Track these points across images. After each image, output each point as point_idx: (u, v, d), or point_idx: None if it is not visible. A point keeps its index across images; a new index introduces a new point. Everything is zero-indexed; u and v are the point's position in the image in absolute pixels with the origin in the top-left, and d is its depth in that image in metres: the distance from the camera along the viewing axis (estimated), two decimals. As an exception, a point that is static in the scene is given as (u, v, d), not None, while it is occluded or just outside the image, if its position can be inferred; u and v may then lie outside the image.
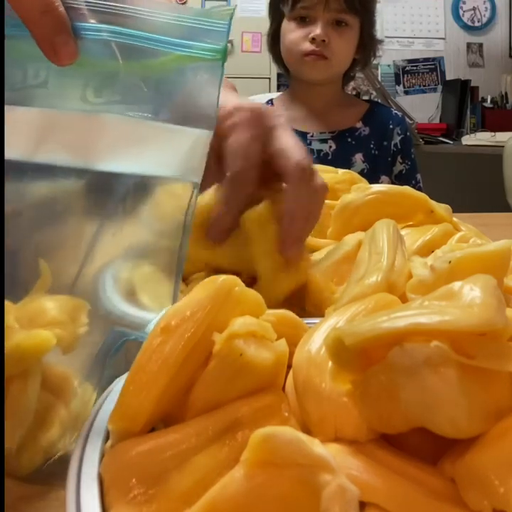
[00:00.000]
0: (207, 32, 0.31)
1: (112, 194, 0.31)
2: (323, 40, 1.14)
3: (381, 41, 1.29)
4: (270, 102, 1.33)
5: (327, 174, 0.75)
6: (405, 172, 1.26)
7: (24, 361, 0.26)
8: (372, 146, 1.23)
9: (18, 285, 0.30)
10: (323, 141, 1.23)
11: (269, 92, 2.56)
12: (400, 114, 1.32)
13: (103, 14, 0.30)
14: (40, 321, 0.28)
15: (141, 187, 0.31)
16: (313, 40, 1.15)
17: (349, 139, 1.23)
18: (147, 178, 0.31)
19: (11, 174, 0.30)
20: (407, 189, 0.49)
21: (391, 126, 1.26)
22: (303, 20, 1.17)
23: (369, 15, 1.22)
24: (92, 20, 0.30)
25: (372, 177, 1.23)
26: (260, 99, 1.37)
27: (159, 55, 0.31)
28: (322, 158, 1.22)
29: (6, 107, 0.30)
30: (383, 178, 1.23)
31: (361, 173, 1.21)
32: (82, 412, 0.25)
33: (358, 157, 1.22)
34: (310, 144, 1.23)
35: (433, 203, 0.49)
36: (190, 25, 0.31)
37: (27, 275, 0.31)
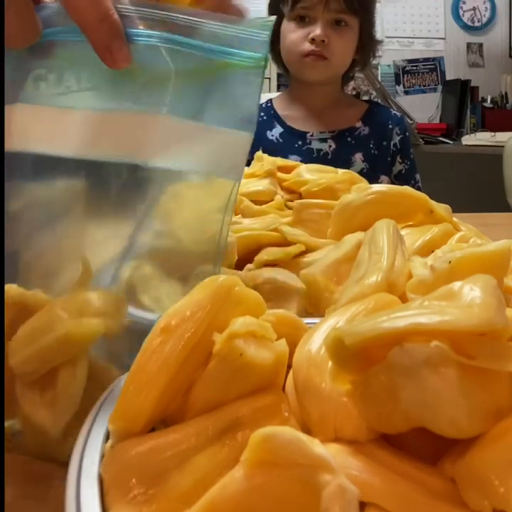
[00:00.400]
0: (249, 41, 0.33)
1: (153, 190, 0.33)
2: (323, 41, 1.14)
3: (380, 41, 1.30)
4: (269, 101, 1.33)
5: (327, 174, 0.75)
6: (404, 172, 1.26)
7: (73, 348, 0.28)
8: (371, 145, 1.24)
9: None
10: (323, 140, 1.24)
11: (269, 92, 2.56)
12: (399, 114, 1.33)
13: (153, 21, 0.32)
14: (87, 311, 0.29)
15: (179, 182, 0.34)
16: (312, 41, 1.15)
17: (349, 139, 1.24)
18: (190, 175, 0.34)
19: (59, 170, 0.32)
20: (406, 189, 0.49)
21: (390, 126, 1.26)
22: (302, 21, 1.17)
23: (368, 15, 1.22)
24: (142, 27, 0.32)
25: (372, 177, 1.23)
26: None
27: (205, 61, 0.33)
28: (322, 158, 1.22)
29: (61, 109, 0.33)
30: (383, 177, 1.24)
31: (361, 172, 1.21)
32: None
33: (358, 157, 1.22)
34: (310, 143, 1.24)
35: (433, 203, 0.49)
36: (235, 35, 0.33)
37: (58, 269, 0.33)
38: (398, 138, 1.26)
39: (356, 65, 1.28)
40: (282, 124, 1.27)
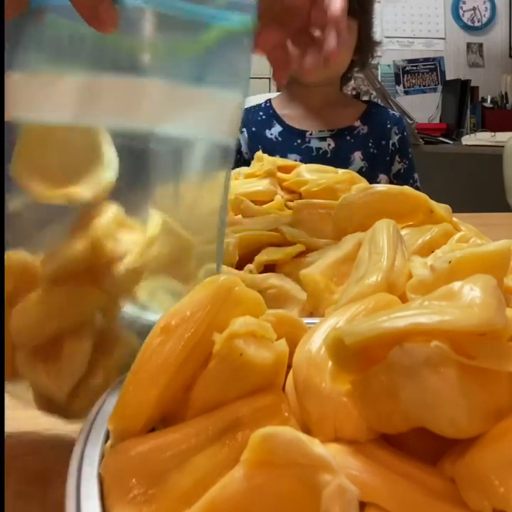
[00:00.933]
0: (237, 4, 0.33)
1: (152, 157, 0.33)
2: None
3: (379, 43, 1.30)
4: (269, 101, 1.33)
5: (327, 174, 0.75)
6: (403, 171, 1.26)
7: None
8: (370, 144, 1.24)
9: None
10: (322, 139, 1.23)
11: (269, 92, 2.56)
12: (397, 114, 1.33)
13: None
14: None
15: (179, 151, 0.33)
16: None
17: (348, 137, 1.24)
18: (186, 141, 0.33)
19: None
20: (406, 189, 0.49)
21: (389, 126, 1.26)
22: None
23: (367, 16, 1.22)
24: None
25: (371, 175, 1.23)
26: (259, 99, 1.37)
27: (194, 25, 0.33)
28: (321, 157, 1.22)
29: (52, 77, 0.32)
30: (381, 176, 1.24)
31: (360, 171, 1.22)
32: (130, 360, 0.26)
33: (357, 155, 1.23)
34: (309, 142, 1.24)
35: (433, 203, 0.49)
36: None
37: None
38: (397, 137, 1.26)
39: (355, 66, 1.28)
40: (281, 123, 1.27)
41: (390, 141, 1.25)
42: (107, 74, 0.32)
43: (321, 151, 1.23)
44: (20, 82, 0.32)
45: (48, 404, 0.31)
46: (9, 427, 0.27)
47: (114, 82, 0.32)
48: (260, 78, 2.80)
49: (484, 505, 0.18)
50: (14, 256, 0.31)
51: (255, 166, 0.79)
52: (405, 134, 1.30)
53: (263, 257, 0.44)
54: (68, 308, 0.30)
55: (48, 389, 0.29)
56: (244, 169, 0.81)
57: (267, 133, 1.26)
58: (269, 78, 2.91)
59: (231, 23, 0.33)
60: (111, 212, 0.31)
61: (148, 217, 0.31)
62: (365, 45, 1.23)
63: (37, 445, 0.33)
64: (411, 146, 1.32)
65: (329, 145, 1.23)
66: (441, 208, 0.49)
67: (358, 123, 1.25)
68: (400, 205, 0.49)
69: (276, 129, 1.26)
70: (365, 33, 1.22)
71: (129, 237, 0.31)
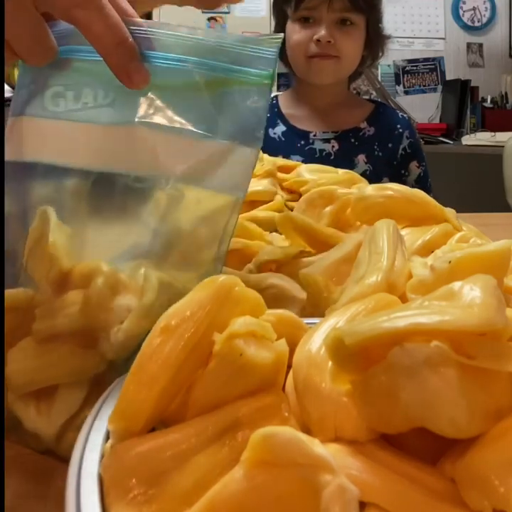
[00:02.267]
0: (257, 58, 0.34)
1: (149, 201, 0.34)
2: (329, 41, 1.12)
3: (388, 37, 1.26)
4: (275, 98, 1.32)
5: (327, 174, 0.75)
6: (423, 175, 1.24)
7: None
8: (375, 147, 1.22)
9: None
10: (326, 140, 1.22)
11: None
12: (406, 116, 1.31)
13: (162, 41, 0.34)
14: None
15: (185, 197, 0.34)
16: (318, 42, 1.12)
17: (352, 140, 1.22)
18: (193, 190, 0.34)
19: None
20: (421, 195, 0.49)
21: (400, 130, 1.24)
22: (307, 21, 1.15)
23: (375, 11, 1.19)
24: (155, 47, 0.34)
25: (375, 178, 1.21)
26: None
27: (217, 78, 0.34)
28: (324, 158, 1.21)
29: (78, 124, 0.34)
30: (385, 179, 1.22)
31: (363, 174, 1.21)
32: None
33: (361, 158, 1.21)
34: (312, 143, 1.22)
35: (449, 214, 0.49)
36: (244, 52, 0.34)
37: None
38: (408, 142, 1.24)
39: (365, 62, 1.25)
40: (285, 122, 1.25)
41: (400, 146, 1.23)
42: (128, 121, 0.34)
43: (324, 153, 1.21)
44: (44, 127, 0.34)
45: (36, 441, 0.30)
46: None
47: (132, 130, 0.33)
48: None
49: (484, 505, 0.18)
50: (12, 294, 0.31)
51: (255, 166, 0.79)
52: (417, 137, 1.27)
53: (263, 256, 0.44)
54: (61, 367, 0.30)
55: (36, 425, 0.29)
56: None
57: (271, 132, 1.25)
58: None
59: (251, 77, 0.34)
60: (103, 277, 0.30)
61: (143, 278, 0.31)
62: (374, 41, 1.21)
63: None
64: (422, 149, 1.31)
65: (333, 147, 1.22)
66: (452, 214, 0.49)
67: (363, 124, 1.23)
68: (414, 211, 0.48)
69: (280, 128, 1.25)
70: (373, 28, 1.19)
71: (125, 302, 0.30)
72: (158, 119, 0.34)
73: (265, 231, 0.53)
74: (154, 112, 0.34)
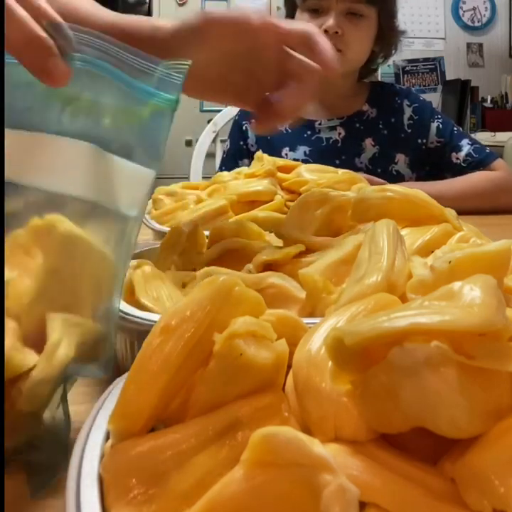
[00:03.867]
0: (167, 83, 0.34)
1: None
2: (337, 32, 1.09)
3: (403, 32, 1.23)
4: None
5: (327, 174, 0.75)
6: (443, 126, 1.20)
7: None
8: (381, 126, 1.20)
9: None
10: (332, 128, 1.20)
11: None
12: (404, 86, 1.28)
13: (87, 47, 0.33)
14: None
15: (82, 213, 0.33)
16: (325, 32, 1.08)
17: (357, 125, 1.20)
18: (88, 205, 0.33)
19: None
20: (425, 197, 0.49)
21: (399, 101, 1.22)
22: (315, 12, 1.12)
23: (387, 4, 1.16)
24: (75, 51, 0.32)
25: (386, 158, 1.19)
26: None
27: (127, 96, 0.34)
28: (332, 146, 1.19)
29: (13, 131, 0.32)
30: (399, 156, 1.20)
31: (374, 157, 1.19)
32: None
33: (368, 142, 1.19)
34: (319, 132, 1.20)
35: (449, 215, 0.49)
36: (157, 75, 0.34)
37: None
38: (411, 109, 1.21)
39: (377, 58, 1.22)
40: None
41: (404, 116, 1.21)
42: (38, 130, 0.32)
43: (331, 141, 1.20)
44: None
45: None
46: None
47: (44, 139, 0.32)
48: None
49: (484, 505, 0.18)
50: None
51: (255, 166, 0.79)
52: (420, 99, 1.24)
53: (262, 256, 0.44)
54: None
55: None
56: (244, 169, 0.81)
57: None
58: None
59: (159, 101, 0.34)
60: (11, 327, 0.29)
61: (48, 322, 0.30)
62: (386, 35, 1.18)
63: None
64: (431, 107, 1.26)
65: (340, 134, 1.20)
66: (452, 215, 0.49)
67: (366, 107, 1.22)
68: (414, 212, 0.48)
69: None
70: (385, 22, 1.16)
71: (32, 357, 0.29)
72: (68, 129, 0.32)
73: (265, 231, 0.53)
74: (65, 118, 0.33)
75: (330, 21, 1.09)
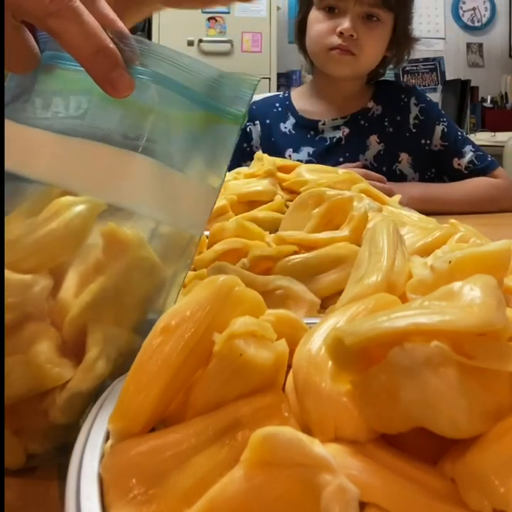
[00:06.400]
0: (233, 97, 0.34)
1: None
2: (352, 35, 1.08)
3: (417, 39, 1.22)
4: (287, 92, 1.30)
5: (327, 174, 0.75)
6: (448, 130, 1.20)
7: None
8: (386, 123, 1.19)
9: None
10: (336, 127, 1.20)
11: (269, 92, 2.56)
12: (409, 84, 1.28)
13: (152, 59, 0.33)
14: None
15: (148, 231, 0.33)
16: (340, 34, 1.08)
17: (362, 122, 1.20)
18: (154, 223, 0.33)
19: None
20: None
21: (405, 99, 1.21)
22: (331, 11, 1.11)
23: (405, 10, 1.15)
24: (140, 64, 0.32)
25: (391, 156, 1.19)
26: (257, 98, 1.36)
27: (191, 109, 0.33)
28: (335, 145, 1.19)
29: (43, 132, 0.32)
30: (403, 155, 1.19)
31: (378, 155, 1.19)
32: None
33: (373, 139, 1.19)
34: (322, 132, 1.20)
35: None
36: (222, 89, 0.34)
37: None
38: (418, 108, 1.20)
39: (388, 63, 1.21)
40: (295, 114, 1.23)
41: (410, 115, 1.20)
42: (98, 140, 0.32)
43: (334, 140, 1.19)
44: (20, 133, 0.32)
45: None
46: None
47: (103, 149, 0.32)
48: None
49: (484, 505, 0.18)
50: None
51: (255, 166, 0.79)
52: (427, 99, 1.23)
53: (256, 252, 0.44)
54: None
55: None
56: (244, 169, 0.81)
57: (281, 127, 1.23)
58: (269, 78, 2.92)
59: (225, 115, 0.34)
60: (50, 335, 0.29)
61: (90, 334, 0.29)
62: (401, 41, 1.16)
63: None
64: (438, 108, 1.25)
65: (344, 132, 1.19)
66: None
67: (371, 104, 1.21)
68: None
69: (291, 121, 1.23)
70: (401, 27, 1.15)
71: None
72: (129, 142, 0.32)
73: (265, 231, 0.53)
74: (124, 131, 0.32)
75: (346, 24, 1.08)
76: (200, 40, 2.92)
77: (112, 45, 0.31)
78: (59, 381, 0.28)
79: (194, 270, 0.45)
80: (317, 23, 1.13)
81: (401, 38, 1.16)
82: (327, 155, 1.16)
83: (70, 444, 0.23)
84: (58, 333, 0.29)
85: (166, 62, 0.33)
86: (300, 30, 1.20)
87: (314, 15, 1.14)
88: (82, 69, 0.31)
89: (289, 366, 0.24)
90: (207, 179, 0.34)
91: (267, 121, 1.24)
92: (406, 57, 1.23)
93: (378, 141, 1.19)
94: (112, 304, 0.31)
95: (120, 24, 0.33)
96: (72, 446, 0.23)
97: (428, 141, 1.20)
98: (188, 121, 0.34)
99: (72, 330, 0.30)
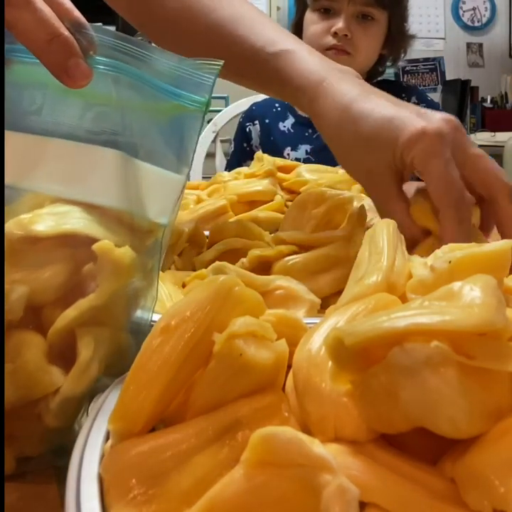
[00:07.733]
0: (196, 84, 0.33)
1: None
2: (346, 35, 1.09)
3: (413, 36, 1.22)
4: None
5: (327, 174, 0.75)
6: None
7: None
8: None
9: None
10: None
11: (269, 92, 2.55)
12: (411, 84, 1.28)
13: (109, 49, 0.31)
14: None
15: (115, 223, 0.32)
16: (335, 35, 1.09)
17: None
18: (120, 214, 0.32)
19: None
20: None
21: (406, 98, 1.20)
22: (326, 12, 1.12)
23: (399, 8, 1.16)
24: (93, 52, 0.31)
25: None
26: (257, 100, 1.36)
27: (152, 97, 0.32)
28: None
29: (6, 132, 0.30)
30: None
31: None
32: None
33: None
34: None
35: None
36: (183, 75, 0.33)
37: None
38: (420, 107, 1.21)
39: (385, 61, 1.21)
40: (293, 113, 1.23)
41: None
42: (60, 136, 0.31)
43: None
44: None
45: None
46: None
47: (66, 145, 0.31)
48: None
49: (484, 505, 0.18)
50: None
51: (255, 166, 0.79)
52: (428, 98, 1.23)
53: (255, 252, 0.44)
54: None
55: None
56: (244, 169, 0.81)
57: (280, 125, 1.23)
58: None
59: (188, 102, 0.33)
60: (36, 343, 0.29)
61: (79, 337, 0.29)
62: (396, 39, 1.17)
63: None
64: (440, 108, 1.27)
65: None
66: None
67: None
68: None
69: (289, 121, 1.23)
70: (396, 25, 1.15)
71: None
72: (90, 136, 0.31)
73: (265, 231, 0.53)
74: (85, 124, 0.31)
75: (340, 24, 1.09)
76: (200, 40, 2.91)
77: (67, 32, 0.30)
78: (50, 388, 0.28)
79: (194, 270, 0.45)
80: (312, 24, 1.14)
81: (396, 35, 1.17)
82: (325, 152, 1.16)
83: (65, 447, 0.23)
84: (43, 339, 0.29)
85: (125, 51, 0.31)
86: (297, 32, 1.21)
87: (309, 16, 1.15)
88: (38, 61, 0.30)
89: (289, 366, 0.24)
90: (173, 168, 0.33)
91: (267, 120, 1.25)
92: (403, 55, 1.24)
93: None
94: (98, 317, 0.30)
95: (77, 13, 0.31)
96: (68, 448, 0.23)
97: None
98: (150, 110, 0.33)
99: (57, 338, 0.29)
